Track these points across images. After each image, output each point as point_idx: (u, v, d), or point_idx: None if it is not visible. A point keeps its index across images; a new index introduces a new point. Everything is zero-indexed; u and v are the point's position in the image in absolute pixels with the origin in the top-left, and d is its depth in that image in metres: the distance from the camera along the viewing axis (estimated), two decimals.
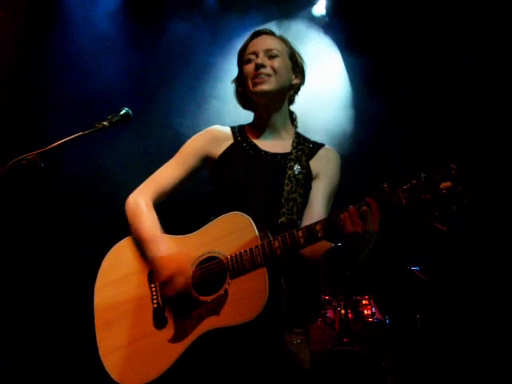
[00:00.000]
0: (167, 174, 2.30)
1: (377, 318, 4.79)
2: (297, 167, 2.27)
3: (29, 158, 2.00)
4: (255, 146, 2.32)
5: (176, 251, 2.08)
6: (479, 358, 4.52)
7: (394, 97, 5.05)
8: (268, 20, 5.29)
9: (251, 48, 2.34)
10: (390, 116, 5.07)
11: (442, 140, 4.71)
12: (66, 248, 4.75)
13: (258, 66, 2.26)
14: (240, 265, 1.98)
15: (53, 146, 2.06)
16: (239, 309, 1.93)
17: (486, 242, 4.44)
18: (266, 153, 2.31)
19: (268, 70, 2.26)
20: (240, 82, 2.40)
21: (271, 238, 2.00)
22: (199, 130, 2.40)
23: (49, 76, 4.94)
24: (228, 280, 1.99)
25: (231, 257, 2.00)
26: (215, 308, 1.98)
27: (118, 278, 2.18)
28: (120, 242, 2.24)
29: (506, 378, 4.35)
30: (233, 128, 2.39)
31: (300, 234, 1.95)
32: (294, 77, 2.37)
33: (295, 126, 2.45)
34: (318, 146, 2.39)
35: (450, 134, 4.72)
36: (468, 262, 4.66)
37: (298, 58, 2.41)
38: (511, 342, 4.46)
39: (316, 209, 2.26)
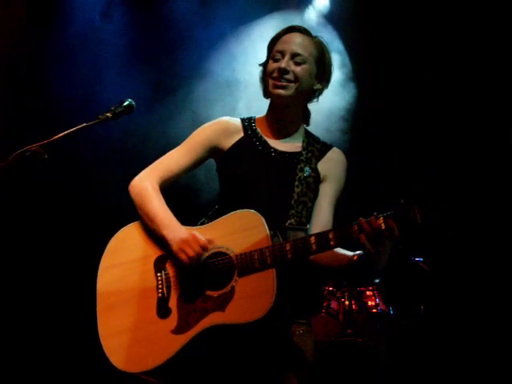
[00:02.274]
0: (174, 161, 2.28)
1: (381, 309, 4.80)
2: (307, 170, 2.26)
3: (32, 149, 2.00)
4: (265, 142, 2.30)
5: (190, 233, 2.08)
6: (483, 346, 4.53)
7: (399, 95, 5.03)
8: (268, 12, 5.28)
9: (280, 45, 2.30)
10: (393, 117, 5.05)
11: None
12: (69, 240, 4.77)
13: (281, 71, 2.23)
14: (249, 264, 1.99)
15: (56, 137, 2.06)
16: (245, 308, 1.95)
17: (485, 233, 4.43)
18: (275, 150, 2.29)
19: (290, 76, 2.23)
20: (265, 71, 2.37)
21: (281, 240, 2.02)
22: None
23: (51, 66, 4.95)
24: (236, 277, 2.00)
25: (241, 255, 2.01)
26: (220, 304, 1.98)
27: (123, 261, 2.17)
28: (127, 226, 2.24)
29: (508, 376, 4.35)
30: (243, 120, 2.37)
31: (313, 240, 1.97)
32: (316, 82, 2.33)
33: (306, 124, 2.42)
34: (327, 148, 2.37)
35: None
36: (472, 253, 4.66)
37: (327, 63, 2.35)
38: None
39: (323, 214, 2.27)
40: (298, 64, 2.25)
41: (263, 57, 2.40)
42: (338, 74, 5.34)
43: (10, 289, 4.57)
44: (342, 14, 5.37)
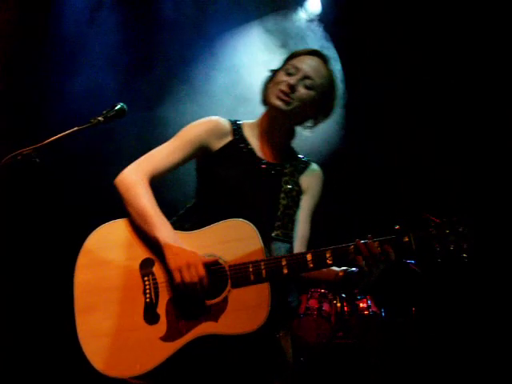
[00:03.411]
0: (164, 157, 2.20)
1: (372, 311, 4.81)
2: (291, 183, 2.30)
3: (24, 153, 2.00)
4: (252, 150, 2.31)
5: (184, 247, 2.02)
6: (475, 348, 4.55)
7: (396, 95, 5.06)
8: (261, 14, 5.29)
9: (298, 62, 2.31)
10: (389, 117, 5.07)
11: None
12: (61, 244, 4.74)
13: (290, 87, 2.24)
14: (244, 276, 2.00)
15: (48, 141, 2.06)
16: (239, 320, 1.96)
17: (479, 233, 4.46)
18: (261, 160, 2.31)
19: (294, 95, 2.24)
20: (272, 79, 2.36)
21: (266, 250, 2.05)
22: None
23: (43, 70, 4.94)
24: (229, 288, 2.00)
25: (235, 265, 2.01)
26: (213, 314, 1.98)
27: (104, 260, 2.07)
28: (108, 223, 2.14)
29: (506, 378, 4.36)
30: (232, 124, 2.35)
31: (309, 257, 2.02)
32: (313, 113, 2.35)
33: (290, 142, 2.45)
34: (308, 163, 2.43)
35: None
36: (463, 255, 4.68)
37: (332, 99, 2.37)
38: (508, 340, 4.47)
39: (304, 227, 2.34)
40: (306, 87, 2.27)
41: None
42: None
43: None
44: (334, 16, 5.39)
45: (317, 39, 5.38)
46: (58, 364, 4.47)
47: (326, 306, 4.84)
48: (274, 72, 2.37)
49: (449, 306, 4.77)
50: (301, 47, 2.43)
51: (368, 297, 4.88)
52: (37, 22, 4.96)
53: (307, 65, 2.29)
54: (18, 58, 4.78)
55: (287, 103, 2.23)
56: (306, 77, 2.27)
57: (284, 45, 5.25)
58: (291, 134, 2.41)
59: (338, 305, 4.82)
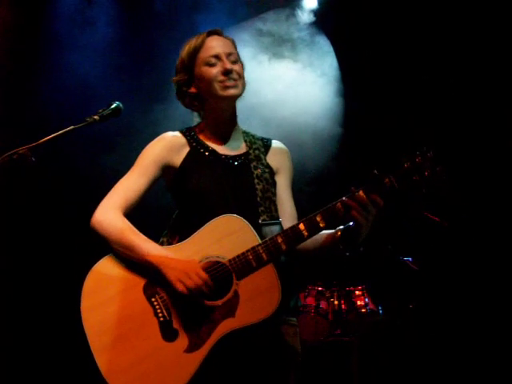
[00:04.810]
0: (131, 187, 2.20)
1: (370, 309, 4.82)
2: (261, 167, 2.29)
3: (20, 152, 1.99)
4: (213, 150, 2.29)
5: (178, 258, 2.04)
6: (473, 345, 4.56)
7: (385, 93, 5.05)
8: (256, 13, 5.28)
9: (210, 50, 2.27)
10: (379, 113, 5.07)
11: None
12: (56, 246, 4.74)
13: (228, 72, 2.22)
14: (246, 265, 2.01)
15: (44, 140, 2.06)
16: (255, 307, 1.98)
17: (476, 233, 4.48)
18: (226, 156, 2.30)
19: (235, 75, 2.24)
20: (189, 82, 2.32)
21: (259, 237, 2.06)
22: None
23: (38, 68, 4.93)
24: (235, 281, 2.01)
25: (234, 259, 2.02)
26: (228, 311, 1.99)
27: (105, 299, 2.07)
28: (98, 264, 2.13)
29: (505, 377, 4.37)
30: (183, 133, 2.33)
31: (302, 227, 2.03)
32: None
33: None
34: (268, 141, 2.42)
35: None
36: (459, 252, 4.70)
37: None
38: (506, 339, 4.48)
39: (287, 204, 2.35)
40: (235, 62, 2.28)
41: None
42: (330, 77, 5.40)
43: None
44: (331, 13, 5.38)
45: (313, 36, 5.39)
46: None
47: (323, 304, 4.85)
48: (188, 82, 2.33)
49: (446, 304, 4.78)
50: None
51: (366, 294, 4.88)
52: (29, 20, 4.95)
53: (219, 46, 2.28)
54: (12, 58, 4.77)
55: (236, 87, 2.24)
56: (228, 54, 2.27)
57: (280, 44, 5.26)
58: (236, 115, 2.39)
59: (336, 302, 4.83)
